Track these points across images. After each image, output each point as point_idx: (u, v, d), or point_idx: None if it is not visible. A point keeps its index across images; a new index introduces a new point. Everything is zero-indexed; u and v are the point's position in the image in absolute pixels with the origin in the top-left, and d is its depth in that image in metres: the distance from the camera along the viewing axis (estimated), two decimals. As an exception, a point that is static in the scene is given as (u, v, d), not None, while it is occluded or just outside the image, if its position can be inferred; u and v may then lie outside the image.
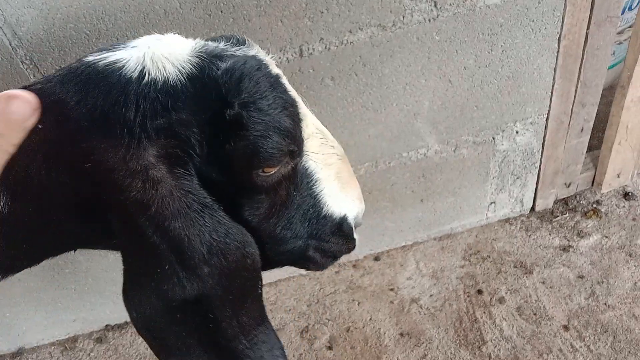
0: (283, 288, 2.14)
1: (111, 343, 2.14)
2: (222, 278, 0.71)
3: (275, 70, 0.78)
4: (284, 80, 0.79)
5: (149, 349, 2.15)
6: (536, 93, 1.83)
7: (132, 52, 0.71)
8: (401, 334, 1.98)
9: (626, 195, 2.24)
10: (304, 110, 0.81)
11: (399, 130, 1.79)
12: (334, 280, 2.18)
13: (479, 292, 2.05)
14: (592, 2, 1.64)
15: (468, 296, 2.04)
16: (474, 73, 1.70)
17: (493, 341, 1.90)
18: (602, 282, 2.00)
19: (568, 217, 2.23)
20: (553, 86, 1.82)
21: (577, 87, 1.86)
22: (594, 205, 2.24)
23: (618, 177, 2.23)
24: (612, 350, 1.81)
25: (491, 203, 2.18)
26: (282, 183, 0.80)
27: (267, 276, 2.13)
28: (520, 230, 2.22)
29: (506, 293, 2.02)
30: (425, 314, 2.02)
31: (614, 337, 1.85)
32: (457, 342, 1.92)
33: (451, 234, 2.25)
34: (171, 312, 0.70)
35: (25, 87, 0.73)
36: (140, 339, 2.10)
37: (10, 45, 1.29)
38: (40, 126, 0.68)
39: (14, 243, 0.74)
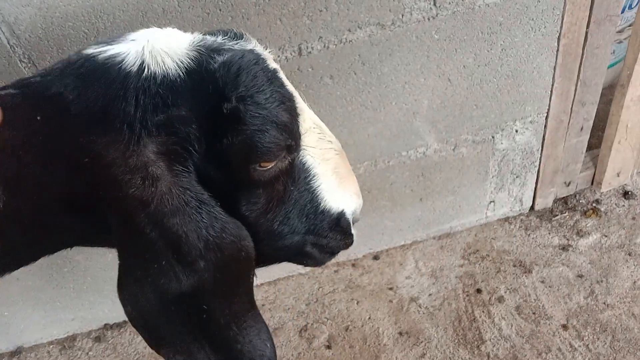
0: (282, 287, 2.14)
1: (110, 342, 2.14)
2: (217, 271, 0.71)
3: (273, 64, 0.78)
4: (282, 75, 0.79)
5: (147, 347, 2.15)
6: (536, 92, 1.82)
7: (130, 46, 0.71)
8: (400, 333, 1.97)
9: (626, 194, 2.24)
10: (301, 104, 0.81)
11: (398, 129, 1.79)
12: (333, 279, 2.18)
13: (478, 291, 2.04)
14: (591, 1, 1.64)
15: (467, 295, 2.04)
16: (473, 72, 1.70)
17: (492, 340, 1.90)
18: (602, 281, 2.00)
19: (567, 216, 2.22)
20: (553, 85, 1.82)
21: (576, 86, 1.86)
22: (594, 205, 2.24)
23: (618, 176, 2.22)
24: (611, 349, 1.81)
25: (490, 202, 2.18)
26: (279, 178, 0.80)
27: (266, 275, 2.13)
28: (519, 230, 2.22)
29: (505, 292, 2.02)
30: (424, 313, 2.02)
31: (613, 336, 1.84)
32: (456, 341, 1.92)
33: (450, 233, 2.25)
34: (166, 305, 0.71)
35: (24, 80, 0.72)
36: (139, 337, 2.10)
37: (9, 43, 1.28)
38: (38, 118, 0.67)
39: (10, 239, 0.74)
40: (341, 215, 0.93)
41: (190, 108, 0.70)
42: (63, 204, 0.70)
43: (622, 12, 2.20)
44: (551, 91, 1.84)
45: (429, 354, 1.90)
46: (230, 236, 0.72)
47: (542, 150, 2.03)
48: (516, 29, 1.63)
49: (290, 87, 0.79)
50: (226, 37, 0.77)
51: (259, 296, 2.06)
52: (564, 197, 2.28)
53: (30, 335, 2.13)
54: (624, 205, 2.22)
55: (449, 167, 1.98)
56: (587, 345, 1.83)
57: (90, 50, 0.71)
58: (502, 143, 1.96)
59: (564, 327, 1.89)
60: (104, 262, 1.93)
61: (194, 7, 1.33)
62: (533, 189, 2.19)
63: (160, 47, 0.71)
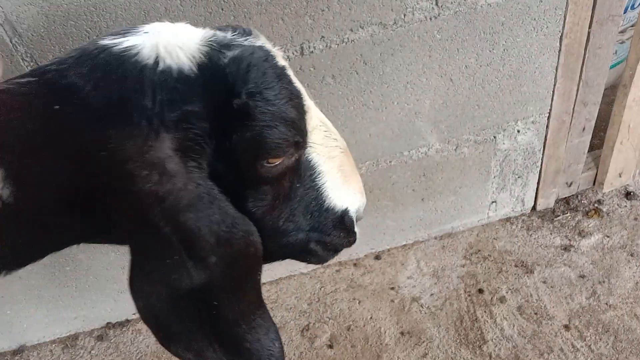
0: (284, 286, 2.14)
1: (112, 341, 2.14)
2: (227, 267, 0.72)
3: (282, 61, 0.78)
4: (290, 72, 0.79)
5: (149, 346, 2.15)
6: (538, 92, 1.82)
7: (144, 39, 0.71)
8: (402, 333, 1.98)
9: (628, 195, 2.24)
10: (308, 102, 0.81)
11: (400, 129, 1.79)
12: (335, 278, 2.18)
13: (480, 291, 2.04)
14: (594, 1, 1.64)
15: (469, 295, 2.04)
16: (475, 72, 1.70)
17: (494, 340, 1.90)
18: (604, 282, 2.00)
19: (569, 217, 2.22)
20: (555, 85, 1.82)
21: (578, 86, 1.85)
22: (596, 205, 2.23)
23: (620, 176, 2.22)
24: (614, 350, 1.81)
25: (492, 202, 2.18)
26: (286, 175, 0.81)
27: (268, 274, 2.13)
28: (521, 230, 2.22)
29: (507, 292, 2.02)
30: (426, 313, 2.02)
31: (615, 337, 1.84)
32: (458, 341, 1.92)
33: (452, 233, 2.25)
34: (177, 301, 0.71)
35: (40, 68, 0.72)
36: (142, 336, 2.11)
37: (11, 42, 1.29)
38: (56, 107, 0.66)
39: (19, 233, 0.74)
40: (345, 213, 0.93)
41: (203, 104, 0.70)
42: (72, 198, 0.70)
43: (625, 12, 2.19)
44: (553, 91, 1.84)
45: (430, 353, 1.90)
46: (240, 231, 0.72)
47: (544, 150, 2.03)
48: (518, 29, 1.63)
49: (298, 84, 0.80)
50: (235, 33, 0.77)
51: (260, 296, 2.05)
52: (565, 198, 2.28)
53: (32, 333, 2.14)
54: (626, 206, 2.21)
55: (450, 167, 1.98)
56: (590, 345, 1.83)
57: (105, 41, 0.71)
58: (504, 143, 1.96)
59: (566, 327, 1.89)
60: (106, 261, 1.94)
61: (196, 6, 1.34)
62: (535, 189, 2.19)
63: (174, 42, 0.71)
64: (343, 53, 1.55)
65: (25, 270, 0.83)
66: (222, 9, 1.36)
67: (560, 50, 1.72)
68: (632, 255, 2.06)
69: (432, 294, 2.07)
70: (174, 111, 0.68)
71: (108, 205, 0.69)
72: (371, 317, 2.04)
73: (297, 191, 0.85)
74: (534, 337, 1.88)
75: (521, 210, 2.26)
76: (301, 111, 0.78)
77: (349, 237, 0.97)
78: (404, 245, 2.24)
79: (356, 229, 0.97)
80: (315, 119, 0.84)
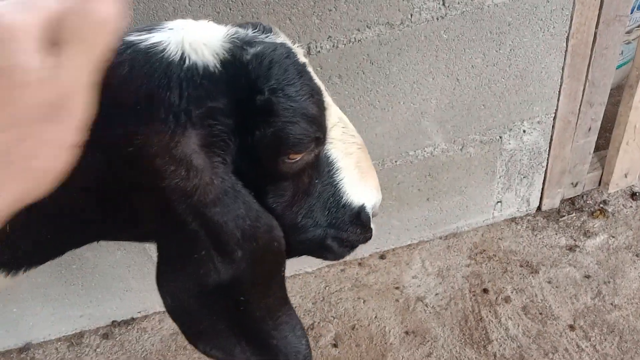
0: (288, 285, 2.12)
1: (117, 339, 2.15)
2: (253, 261, 0.72)
3: (302, 58, 0.79)
4: (310, 69, 0.79)
5: (154, 345, 2.16)
6: (544, 92, 1.82)
7: (170, 35, 0.71)
8: (406, 332, 1.98)
9: (633, 195, 2.23)
10: (328, 99, 0.81)
11: (406, 129, 1.79)
12: (340, 278, 2.18)
13: (485, 291, 2.04)
14: (601, 1, 1.64)
15: (474, 295, 2.04)
16: (481, 72, 1.70)
17: (498, 340, 1.90)
18: (609, 282, 2.00)
19: (575, 217, 2.22)
20: (561, 85, 1.82)
21: (585, 86, 1.85)
22: (601, 205, 2.23)
23: (625, 177, 2.22)
24: (619, 350, 1.81)
25: (497, 202, 2.18)
26: (305, 170, 0.81)
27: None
28: (526, 230, 2.22)
29: (512, 292, 2.02)
30: (430, 313, 2.02)
31: (620, 337, 1.84)
32: (463, 340, 1.92)
33: (457, 232, 2.25)
34: (204, 297, 0.72)
35: None
36: (146, 335, 2.12)
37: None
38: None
39: (43, 228, 0.73)
40: (362, 209, 0.93)
41: (227, 100, 0.70)
42: (98, 193, 0.70)
43: (631, 12, 2.19)
44: (559, 92, 1.84)
45: (435, 353, 1.90)
46: (264, 225, 0.73)
47: (549, 150, 2.03)
48: (525, 29, 1.63)
49: (318, 81, 0.80)
50: (256, 30, 0.77)
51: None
52: (571, 198, 2.28)
53: (38, 331, 2.14)
54: (631, 206, 2.21)
55: (456, 167, 1.98)
56: (595, 345, 1.83)
57: (131, 37, 0.71)
58: (509, 143, 1.96)
59: (571, 327, 1.89)
60: (112, 260, 1.95)
61: (204, 5, 1.34)
62: (540, 190, 2.18)
63: (198, 38, 0.71)
64: (350, 53, 1.55)
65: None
66: (230, 9, 1.37)
67: (566, 50, 1.72)
68: (637, 255, 2.05)
69: (436, 294, 2.07)
70: (199, 107, 0.68)
71: (135, 201, 0.69)
72: (376, 317, 2.04)
73: (316, 187, 0.85)
74: (538, 337, 1.88)
75: (526, 211, 2.26)
76: (322, 107, 0.79)
77: (365, 233, 0.97)
78: (409, 244, 2.24)
79: (372, 225, 0.98)
80: (334, 116, 0.84)
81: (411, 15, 1.51)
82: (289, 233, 0.80)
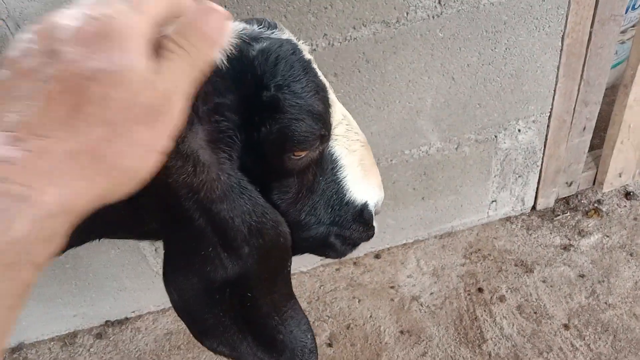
0: (283, 285, 2.13)
1: (111, 339, 2.14)
2: (259, 257, 0.71)
3: (308, 55, 0.78)
4: (315, 66, 0.79)
5: (148, 344, 2.14)
6: (539, 91, 1.82)
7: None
8: (401, 332, 1.98)
9: (627, 195, 2.24)
10: (332, 96, 0.81)
11: (401, 128, 1.79)
12: (335, 277, 2.18)
13: (480, 290, 2.04)
14: (596, 1, 1.64)
15: (468, 294, 2.04)
16: (477, 71, 1.70)
17: (493, 339, 1.90)
18: (603, 281, 2.00)
19: (569, 216, 2.23)
20: (556, 84, 1.82)
21: (580, 85, 1.86)
22: (595, 205, 2.24)
23: (620, 176, 2.22)
24: (613, 349, 1.81)
25: (492, 201, 2.18)
26: (310, 167, 0.81)
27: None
28: (521, 229, 2.22)
29: (507, 291, 2.02)
30: (425, 312, 2.02)
31: (615, 336, 1.85)
32: (458, 340, 1.92)
33: (452, 232, 2.25)
34: (211, 293, 0.71)
35: None
36: (140, 335, 2.11)
37: (14, 38, 1.28)
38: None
39: None
40: (364, 207, 0.93)
41: (233, 96, 0.70)
42: None
43: (626, 12, 2.20)
44: (554, 91, 1.84)
45: (430, 352, 1.90)
46: (270, 221, 0.72)
47: (544, 149, 2.03)
48: (520, 28, 1.63)
49: (323, 78, 0.80)
50: (261, 26, 0.77)
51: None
52: (565, 197, 2.28)
53: (31, 331, 2.13)
54: (625, 206, 2.22)
55: (451, 166, 1.98)
56: (589, 344, 1.83)
57: None
58: (504, 142, 1.96)
59: (566, 326, 1.89)
60: (106, 259, 1.93)
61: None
62: (535, 189, 2.19)
63: None
64: (345, 51, 1.55)
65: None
66: (225, 6, 1.35)
67: (561, 49, 1.72)
68: (631, 255, 2.06)
69: (431, 293, 2.07)
70: (206, 103, 0.68)
71: (142, 197, 0.69)
72: (371, 316, 2.04)
73: (320, 184, 0.85)
74: (533, 336, 1.89)
75: (521, 210, 2.26)
76: (327, 104, 0.78)
77: (368, 230, 0.97)
78: (404, 244, 2.24)
79: (374, 223, 0.97)
80: (339, 113, 0.84)
81: (407, 14, 1.51)
82: (292, 230, 0.80)
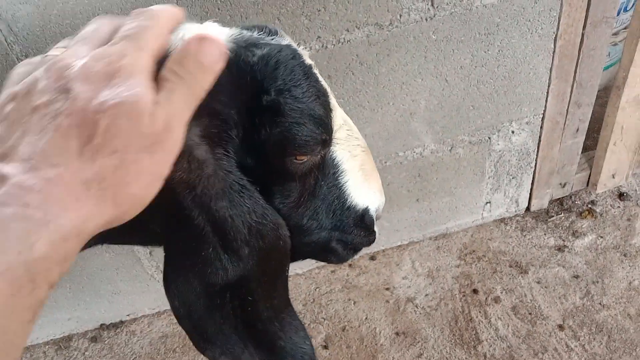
0: (279, 287, 2.13)
1: (106, 342, 2.13)
2: (259, 260, 0.71)
3: (308, 60, 0.79)
4: (316, 71, 0.79)
5: (143, 348, 2.14)
6: (532, 93, 1.83)
7: (171, 37, 0.72)
8: (397, 333, 1.98)
9: (621, 196, 2.25)
10: (333, 101, 0.82)
11: (395, 130, 1.80)
12: (330, 279, 2.18)
13: (475, 291, 2.05)
14: (588, 3, 1.65)
15: (463, 295, 2.05)
16: (470, 72, 1.71)
17: (488, 340, 1.90)
18: (597, 282, 2.01)
19: (563, 217, 2.23)
20: (549, 86, 1.83)
21: (572, 87, 1.87)
22: (589, 206, 2.25)
23: (613, 177, 2.23)
24: (607, 349, 1.82)
25: (487, 203, 2.18)
26: (311, 172, 0.81)
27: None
28: (515, 230, 2.23)
29: (501, 292, 2.03)
30: (420, 313, 2.02)
31: (609, 336, 1.85)
32: (453, 341, 1.92)
33: (447, 233, 2.26)
34: (211, 298, 0.71)
35: None
36: (135, 338, 2.10)
37: (6, 41, 1.28)
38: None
39: None
40: (366, 211, 0.92)
41: (229, 96, 0.70)
42: None
43: (618, 14, 2.21)
44: (547, 92, 1.85)
45: (425, 354, 1.90)
46: (270, 222, 0.72)
47: (538, 151, 2.04)
48: (513, 30, 1.64)
49: (324, 82, 0.80)
50: (261, 32, 0.77)
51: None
52: (559, 198, 2.29)
53: (25, 335, 2.12)
54: (619, 207, 2.23)
55: (445, 167, 1.98)
56: (584, 345, 1.84)
57: None
58: (498, 144, 1.97)
59: (560, 327, 1.90)
60: (101, 262, 1.93)
61: (192, 5, 1.34)
62: (529, 190, 2.20)
63: None
64: (339, 53, 1.55)
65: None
66: (219, 9, 1.36)
67: (554, 51, 1.73)
68: (625, 255, 2.07)
69: (426, 295, 2.08)
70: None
71: None
72: (366, 318, 2.04)
73: (321, 189, 0.85)
74: (528, 337, 1.89)
75: (515, 211, 2.27)
76: (328, 109, 0.78)
77: (369, 235, 0.97)
78: (399, 245, 2.25)
79: (375, 228, 0.98)
80: (339, 118, 0.84)
81: (400, 16, 1.52)
82: (294, 235, 0.80)
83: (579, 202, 2.27)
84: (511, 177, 2.11)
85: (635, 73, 1.87)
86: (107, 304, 2.09)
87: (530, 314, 1.95)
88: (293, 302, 0.82)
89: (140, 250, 1.91)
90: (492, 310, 1.98)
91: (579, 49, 1.77)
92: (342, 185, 0.87)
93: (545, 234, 2.19)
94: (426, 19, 1.54)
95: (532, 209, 2.26)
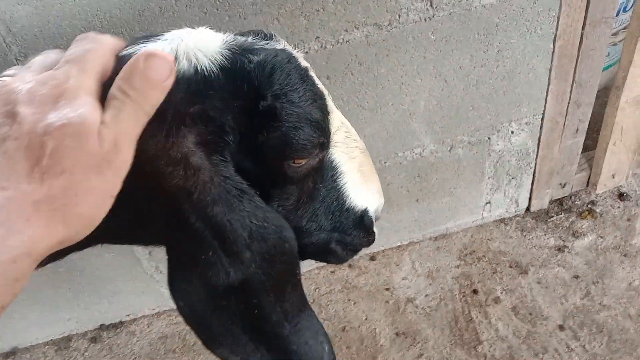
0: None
1: (105, 342, 2.13)
2: (263, 263, 0.71)
3: (304, 63, 0.79)
4: (312, 73, 0.80)
5: (143, 348, 2.14)
6: (531, 93, 1.83)
7: (164, 45, 0.72)
8: (397, 334, 1.98)
9: (621, 196, 2.25)
10: (330, 103, 0.82)
11: (394, 130, 1.80)
12: (330, 279, 2.18)
13: (475, 292, 2.05)
14: (587, 3, 1.65)
15: (463, 296, 2.04)
16: (469, 73, 1.71)
17: (489, 341, 1.90)
18: (597, 282, 2.01)
19: (563, 218, 2.23)
20: (548, 86, 1.83)
21: (572, 87, 1.86)
22: (589, 206, 2.24)
23: (613, 177, 2.23)
24: (608, 349, 1.82)
25: (486, 203, 2.18)
26: (310, 175, 0.81)
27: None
28: (515, 231, 2.23)
29: (501, 293, 2.03)
30: (420, 314, 2.02)
31: (609, 336, 1.85)
32: (453, 341, 1.92)
33: (447, 234, 2.26)
34: (216, 300, 0.71)
35: None
36: (135, 338, 2.11)
37: (5, 41, 1.28)
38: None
39: None
40: (365, 213, 0.93)
41: (224, 101, 0.70)
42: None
43: (617, 14, 2.21)
44: (547, 92, 1.85)
45: (425, 354, 1.90)
46: (272, 225, 0.72)
47: (537, 151, 2.04)
48: (512, 31, 1.64)
49: (320, 85, 0.80)
50: (257, 37, 0.78)
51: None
52: (559, 199, 2.29)
53: (25, 335, 2.12)
54: (619, 207, 2.23)
55: (445, 168, 1.98)
56: (584, 345, 1.84)
57: (124, 52, 0.72)
58: (498, 144, 1.96)
59: (561, 327, 1.90)
60: (100, 263, 1.93)
61: (191, 6, 1.34)
62: (529, 190, 2.19)
63: (193, 45, 0.72)
64: (338, 53, 1.55)
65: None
66: (217, 9, 1.36)
67: (553, 51, 1.73)
68: (625, 255, 2.07)
69: (426, 295, 2.07)
70: (192, 106, 0.68)
71: (141, 202, 0.70)
72: (366, 318, 2.04)
73: (320, 191, 0.85)
74: (528, 337, 1.89)
75: (515, 211, 2.27)
76: (325, 112, 0.79)
77: (368, 236, 0.97)
78: (399, 246, 2.24)
79: (375, 229, 0.98)
80: (337, 120, 0.84)
81: (399, 17, 1.52)
82: None
83: (579, 202, 2.26)
84: (511, 178, 2.11)
85: (634, 73, 1.87)
86: (106, 304, 2.09)
87: (530, 314, 1.95)
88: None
89: (139, 251, 1.91)
90: (492, 310, 1.98)
91: (579, 49, 1.76)
92: (340, 187, 0.88)
93: (545, 234, 2.19)
94: (425, 20, 1.54)
95: (532, 209, 2.26)
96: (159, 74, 0.63)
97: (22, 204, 0.53)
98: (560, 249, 2.13)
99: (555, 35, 1.69)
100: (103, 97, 0.62)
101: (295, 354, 0.76)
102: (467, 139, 1.90)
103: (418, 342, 1.94)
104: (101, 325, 2.17)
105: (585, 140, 2.09)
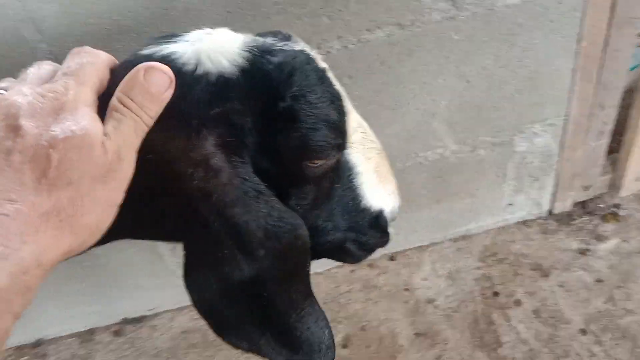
0: (298, 286, 2.14)
1: (128, 336, 2.17)
2: (275, 259, 0.73)
3: (322, 64, 0.80)
4: (330, 74, 0.81)
5: (165, 342, 2.17)
6: (555, 94, 1.82)
7: (185, 46, 0.74)
8: (416, 334, 1.97)
9: (646, 200, 2.21)
10: (348, 104, 0.83)
11: (416, 130, 1.80)
12: (350, 279, 2.18)
13: (495, 294, 2.04)
14: (612, 3, 1.63)
15: (484, 298, 2.03)
16: (492, 73, 1.70)
17: (509, 343, 1.89)
18: (621, 287, 1.98)
19: (586, 221, 2.20)
20: (572, 88, 1.81)
21: (596, 89, 1.84)
22: (613, 209, 2.21)
23: (637, 180, 2.20)
24: (632, 355, 1.79)
25: (508, 205, 2.17)
26: (327, 175, 0.83)
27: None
28: (537, 233, 2.21)
29: (523, 296, 2.01)
30: (440, 315, 2.02)
31: (634, 342, 1.82)
32: (473, 343, 1.91)
33: (468, 235, 2.25)
34: (229, 293, 0.73)
35: None
36: (157, 332, 2.14)
37: (34, 39, 1.32)
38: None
39: None
40: (380, 213, 0.94)
41: (244, 103, 0.72)
42: (127, 195, 0.72)
43: (645, 15, 2.17)
44: (570, 94, 1.83)
45: (445, 355, 1.90)
46: (287, 225, 0.73)
47: (560, 153, 2.02)
48: (536, 31, 1.63)
49: (338, 86, 0.81)
50: (275, 38, 0.79)
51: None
52: (582, 201, 2.26)
53: (50, 328, 2.17)
54: (644, 211, 2.19)
55: (466, 168, 1.97)
56: (607, 350, 1.81)
57: (145, 51, 0.74)
58: (520, 145, 1.95)
59: (583, 332, 1.88)
60: (124, 257, 1.97)
61: (215, 5, 1.36)
62: (551, 193, 2.17)
63: (214, 47, 0.73)
64: (360, 53, 1.56)
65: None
66: (241, 9, 1.38)
67: (577, 52, 1.71)
68: (650, 260, 2.04)
69: (447, 296, 2.07)
70: (213, 108, 0.70)
71: (160, 202, 0.72)
72: (386, 318, 2.04)
73: (337, 191, 0.87)
74: (550, 341, 1.87)
75: (538, 213, 2.24)
76: (342, 113, 0.80)
77: (383, 237, 0.98)
78: (419, 246, 2.24)
79: (390, 230, 0.99)
80: (354, 121, 0.85)
81: (422, 16, 1.52)
82: (310, 236, 0.82)
83: (602, 205, 2.23)
84: (533, 179, 2.09)
85: (661, 74, 1.85)
86: (129, 298, 2.12)
87: (552, 317, 1.93)
88: (313, 299, 0.83)
89: (162, 247, 1.94)
90: (513, 313, 1.97)
91: (603, 50, 1.74)
92: (356, 188, 0.89)
93: (568, 237, 2.16)
94: (448, 19, 1.54)
95: (555, 211, 2.24)
96: (159, 87, 0.65)
97: (31, 215, 0.54)
98: (583, 252, 2.10)
99: (579, 36, 1.67)
100: (100, 108, 0.64)
101: (297, 338, 0.79)
102: (490, 139, 1.89)
103: (438, 343, 1.93)
104: (124, 319, 2.20)
105: (609, 142, 2.07)
